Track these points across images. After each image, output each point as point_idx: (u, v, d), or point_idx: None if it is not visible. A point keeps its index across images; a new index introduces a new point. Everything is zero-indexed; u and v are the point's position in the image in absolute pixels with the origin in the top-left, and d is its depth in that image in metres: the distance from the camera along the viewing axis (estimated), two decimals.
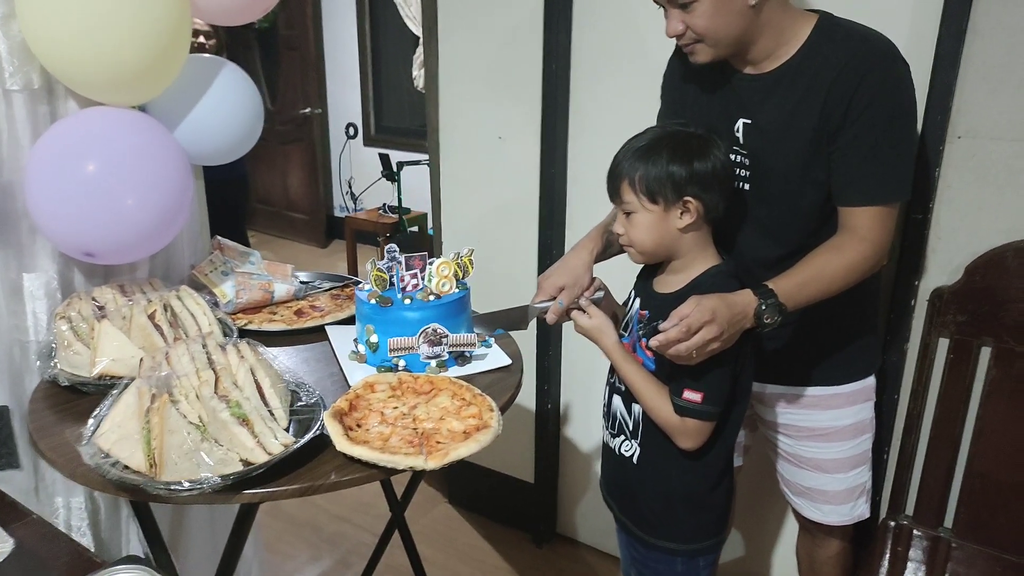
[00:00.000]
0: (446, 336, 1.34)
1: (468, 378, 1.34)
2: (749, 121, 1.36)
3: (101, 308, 1.37)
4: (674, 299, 1.28)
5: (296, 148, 5.79)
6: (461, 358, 1.38)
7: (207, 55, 1.53)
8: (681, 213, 1.27)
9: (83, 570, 1.01)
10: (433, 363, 1.35)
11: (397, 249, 1.41)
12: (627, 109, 1.96)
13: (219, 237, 1.71)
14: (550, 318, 1.39)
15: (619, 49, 2.02)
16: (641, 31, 1.96)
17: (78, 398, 1.25)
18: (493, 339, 1.48)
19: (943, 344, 1.72)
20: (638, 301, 1.41)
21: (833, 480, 1.55)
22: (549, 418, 2.43)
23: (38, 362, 1.33)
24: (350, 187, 5.35)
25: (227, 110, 1.48)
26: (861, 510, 1.60)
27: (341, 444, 1.08)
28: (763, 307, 1.24)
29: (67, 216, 1.27)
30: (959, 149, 1.61)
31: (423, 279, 1.39)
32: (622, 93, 2.03)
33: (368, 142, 5.55)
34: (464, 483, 2.75)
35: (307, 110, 5.58)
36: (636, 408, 1.36)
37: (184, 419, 1.01)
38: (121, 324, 1.34)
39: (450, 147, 2.42)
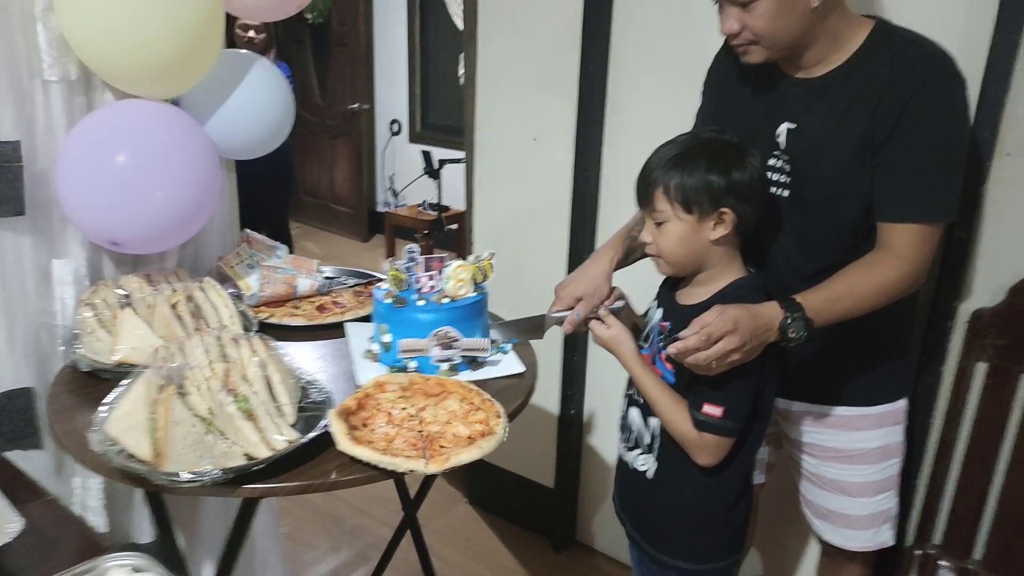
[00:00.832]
0: (458, 340, 1.33)
1: (480, 383, 1.33)
2: (794, 126, 1.32)
3: (127, 296, 1.40)
4: (698, 311, 1.25)
5: (343, 142, 5.87)
6: (474, 363, 1.37)
7: (242, 51, 1.55)
8: (715, 224, 1.23)
9: (90, 553, 1.03)
10: (444, 366, 1.34)
11: (417, 250, 1.41)
12: (665, 113, 1.92)
13: (247, 230, 1.74)
14: (566, 328, 1.37)
15: (658, 53, 1.98)
16: (682, 34, 1.92)
17: (97, 384, 1.28)
18: (509, 345, 1.46)
19: (981, 368, 1.65)
20: (660, 312, 1.38)
21: (856, 504, 1.49)
22: (572, 424, 2.41)
23: (62, 347, 1.36)
24: (391, 183, 5.40)
25: (258, 105, 1.49)
26: (884, 537, 1.54)
27: (343, 444, 1.08)
28: (789, 321, 1.20)
29: (95, 205, 1.30)
30: (1007, 166, 1.54)
31: (440, 281, 1.38)
32: (660, 97, 2.00)
33: (413, 139, 5.59)
34: (484, 484, 2.74)
35: (355, 105, 5.64)
36: (654, 421, 1.33)
37: (189, 411, 1.02)
38: (145, 313, 1.37)
39: (486, 147, 2.42)
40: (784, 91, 1.34)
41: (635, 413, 1.39)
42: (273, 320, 1.55)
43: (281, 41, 5.86)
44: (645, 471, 1.36)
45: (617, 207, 2.14)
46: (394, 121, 5.35)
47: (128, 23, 1.25)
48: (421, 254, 1.41)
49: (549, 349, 2.33)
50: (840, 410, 1.46)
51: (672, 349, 1.18)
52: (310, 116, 6.01)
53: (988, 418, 1.65)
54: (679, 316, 1.30)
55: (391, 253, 4.79)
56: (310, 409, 1.18)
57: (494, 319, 1.49)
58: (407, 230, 4.81)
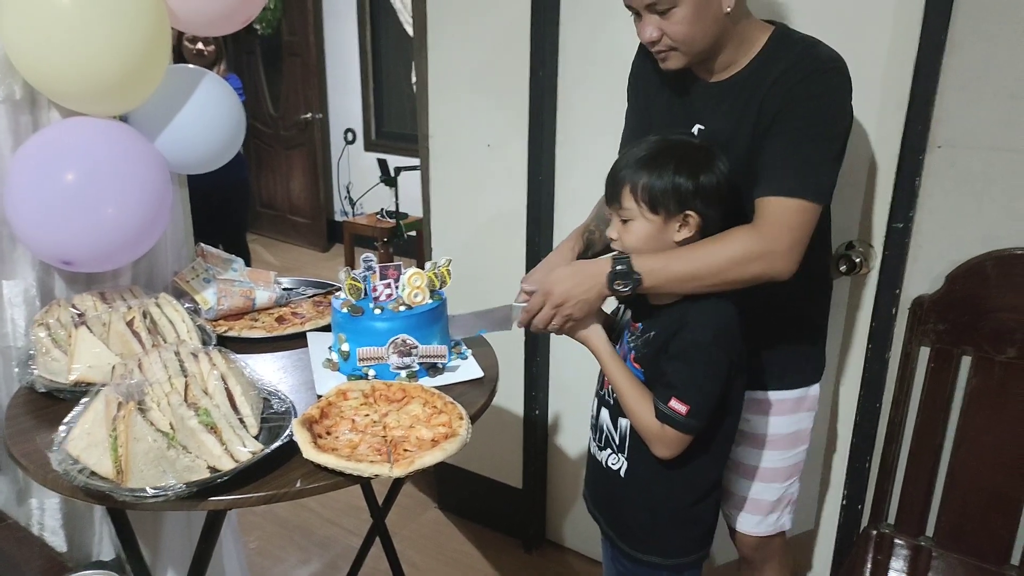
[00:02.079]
0: (416, 347, 1.35)
1: (440, 389, 1.35)
2: (703, 127, 1.39)
3: (81, 315, 1.38)
4: (671, 313, 1.29)
5: (298, 153, 5.83)
6: (433, 369, 1.38)
7: (190, 65, 1.54)
8: (680, 226, 1.27)
9: (53, 573, 1.03)
10: (403, 374, 1.36)
11: (373, 258, 1.43)
12: (616, 113, 1.97)
13: (202, 244, 1.73)
14: (522, 319, 1.38)
15: (606, 53, 2.02)
16: (630, 35, 1.95)
17: (55, 404, 1.26)
18: (470, 351, 1.48)
19: (924, 353, 1.72)
20: (629, 312, 1.41)
21: (767, 489, 1.56)
22: (537, 424, 2.44)
23: (16, 368, 1.34)
24: (348, 192, 5.38)
25: (207, 120, 1.49)
26: (785, 520, 1.61)
27: (308, 452, 1.09)
28: (615, 272, 1.27)
29: (45, 225, 1.29)
30: (939, 159, 1.62)
31: (397, 289, 1.40)
32: (610, 97, 2.03)
33: (368, 147, 5.58)
34: (453, 488, 2.76)
35: (308, 115, 5.61)
36: (623, 422, 1.36)
37: (150, 426, 1.02)
38: (100, 331, 1.36)
39: (440, 154, 2.44)
40: (695, 94, 1.40)
41: (605, 414, 1.41)
42: (232, 333, 1.55)
43: (231, 53, 5.81)
44: (618, 470, 1.39)
45: (573, 209, 2.18)
46: (348, 130, 5.34)
47: (72, 41, 1.24)
48: (380, 262, 1.43)
49: (512, 351, 2.35)
50: (758, 394, 1.52)
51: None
52: (264, 127, 5.96)
53: (933, 400, 1.72)
54: (651, 317, 1.33)
55: (350, 262, 4.77)
56: (273, 420, 1.19)
57: (452, 316, 1.49)
58: (366, 239, 4.80)
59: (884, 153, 1.69)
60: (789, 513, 1.61)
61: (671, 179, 1.24)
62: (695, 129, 1.39)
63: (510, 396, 2.45)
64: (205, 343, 1.45)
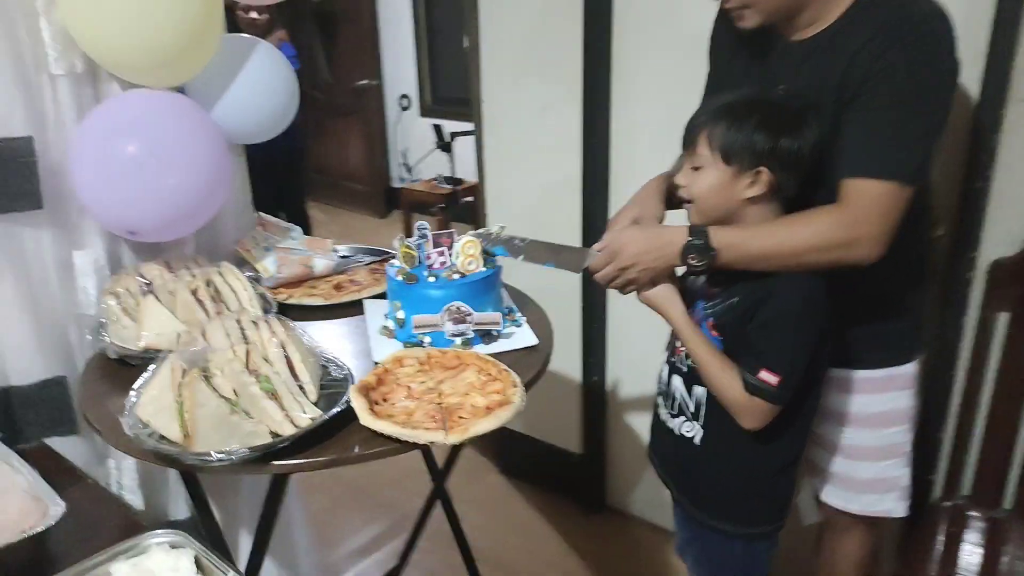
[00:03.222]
0: (470, 315, 1.34)
1: (495, 356, 1.35)
2: (785, 90, 1.30)
3: (148, 284, 1.42)
4: (755, 280, 1.24)
5: (354, 120, 5.87)
6: (487, 336, 1.38)
7: (243, 35, 1.55)
8: (751, 182, 1.23)
9: (130, 531, 1.07)
10: (458, 341, 1.36)
11: (428, 226, 1.42)
12: (673, 76, 1.91)
13: (262, 214, 1.76)
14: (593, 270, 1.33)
15: (664, 14, 1.96)
16: None
17: (126, 370, 1.31)
18: (524, 319, 1.47)
19: (1002, 318, 1.64)
20: (703, 278, 1.36)
21: (858, 467, 1.48)
22: (595, 389, 2.43)
23: (89, 336, 1.39)
24: (404, 158, 5.40)
25: (261, 89, 1.50)
26: (889, 506, 1.51)
27: (365, 418, 1.10)
28: (690, 245, 1.23)
29: (110, 196, 1.32)
30: (1019, 114, 1.52)
31: (451, 257, 1.39)
32: (667, 60, 1.97)
33: (424, 113, 5.57)
34: (513, 453, 2.78)
35: (364, 82, 5.62)
36: (698, 390, 1.33)
37: (214, 392, 1.05)
38: (167, 299, 1.39)
39: (493, 119, 2.41)
40: (778, 54, 1.32)
41: (678, 381, 1.38)
42: (292, 301, 1.57)
43: (287, 21, 5.85)
44: (692, 437, 1.36)
45: (629, 175, 2.13)
46: (403, 96, 5.33)
47: (129, 13, 1.25)
48: (436, 228, 1.42)
49: (569, 316, 2.34)
50: (841, 372, 1.44)
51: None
52: (319, 95, 6.00)
53: (1011, 367, 1.64)
54: (731, 283, 1.28)
55: (408, 229, 4.80)
56: (331, 387, 1.20)
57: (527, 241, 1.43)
58: (423, 204, 4.82)
59: (960, 107, 1.58)
60: (896, 499, 1.50)
61: (749, 133, 1.20)
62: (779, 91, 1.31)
63: (568, 361, 2.44)
64: (266, 311, 1.47)
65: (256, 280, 1.55)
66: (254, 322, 1.22)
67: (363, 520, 2.59)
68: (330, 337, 1.46)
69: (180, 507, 1.64)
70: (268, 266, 1.60)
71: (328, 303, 1.57)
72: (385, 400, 1.19)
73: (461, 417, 1.14)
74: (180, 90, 1.47)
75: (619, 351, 2.38)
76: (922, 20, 1.17)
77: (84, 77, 1.39)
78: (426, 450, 1.82)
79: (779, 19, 1.26)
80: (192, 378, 1.04)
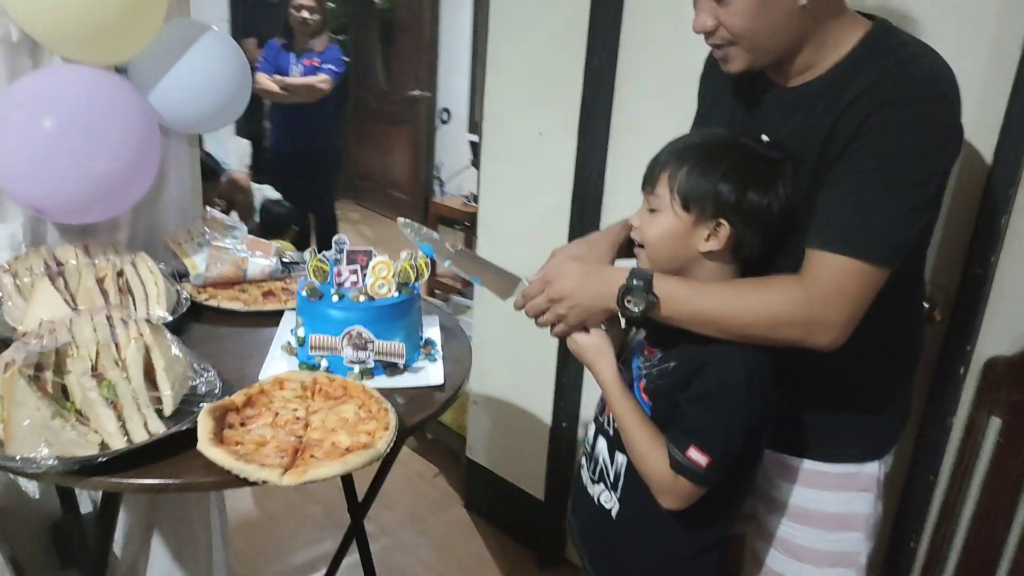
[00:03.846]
0: (372, 342, 1.23)
1: (393, 391, 1.24)
2: (766, 140, 1.15)
3: (58, 266, 1.36)
4: (695, 344, 1.10)
5: (402, 129, 5.87)
6: (391, 368, 1.27)
7: (193, 20, 1.49)
8: (709, 235, 1.09)
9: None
10: (356, 369, 1.24)
11: (346, 241, 1.32)
12: (681, 112, 1.77)
13: (210, 208, 1.69)
14: (517, 301, 1.21)
15: (673, 47, 1.82)
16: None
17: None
18: (440, 354, 1.35)
19: (994, 424, 1.44)
20: (643, 333, 1.24)
21: (804, 571, 1.29)
22: (563, 436, 2.28)
23: None
24: (438, 171, 5.36)
25: (206, 77, 1.43)
26: None
27: (202, 443, 1.00)
28: (629, 286, 1.09)
29: (18, 169, 1.27)
30: None
31: (363, 277, 1.29)
32: (674, 97, 1.83)
33: (472, 128, 5.52)
34: (480, 489, 2.66)
35: (416, 92, 5.62)
36: (620, 458, 1.20)
37: (35, 393, 0.96)
38: (73, 284, 1.33)
39: (492, 141, 2.32)
40: (766, 101, 1.18)
41: (602, 444, 1.25)
42: (212, 302, 1.49)
43: (354, 25, 5.92)
44: (609, 510, 1.22)
45: (625, 208, 1.98)
46: (445, 110, 5.31)
47: None
48: (464, 245, 1.30)
49: (544, 356, 2.21)
50: (794, 461, 1.27)
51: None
52: (373, 101, 6.04)
53: (999, 480, 1.44)
54: (671, 344, 1.14)
55: None
56: (194, 401, 1.11)
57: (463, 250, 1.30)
58: (450, 220, 4.75)
59: (967, 182, 1.41)
60: None
61: (715, 180, 1.07)
62: None
63: (540, 403, 2.31)
64: (175, 310, 1.40)
65: (177, 277, 1.48)
66: (123, 320, 1.13)
67: (289, 547, 2.46)
68: (234, 346, 1.37)
69: (86, 502, 1.57)
70: (197, 263, 1.53)
71: (247, 310, 1.48)
72: (243, 424, 1.08)
73: (313, 456, 1.03)
74: (122, 71, 1.42)
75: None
76: (926, 79, 1.02)
77: (21, 47, 1.34)
78: (346, 479, 1.71)
79: (769, 62, 1.12)
80: (12, 373, 0.96)
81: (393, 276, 1.28)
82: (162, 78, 1.40)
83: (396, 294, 1.28)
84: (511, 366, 2.41)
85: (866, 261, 1.02)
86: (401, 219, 1.28)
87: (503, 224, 2.34)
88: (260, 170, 4.73)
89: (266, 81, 4.14)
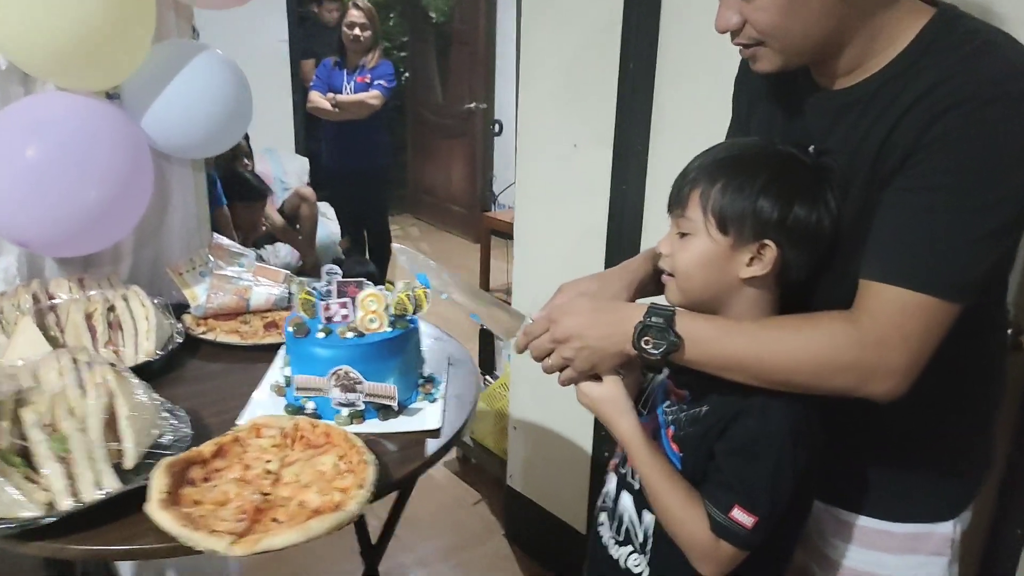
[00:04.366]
0: (360, 383, 1.12)
1: (385, 436, 1.12)
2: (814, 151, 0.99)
3: (51, 299, 1.31)
4: (733, 386, 0.95)
5: (459, 142, 5.81)
6: (385, 410, 1.15)
7: (187, 42, 1.42)
8: (752, 259, 0.94)
9: None
10: (345, 412, 1.13)
11: (338, 271, 1.22)
12: (729, 115, 1.61)
13: (217, 235, 1.62)
14: (518, 342, 1.06)
15: (718, 44, 1.65)
16: None
17: None
18: (440, 394, 1.23)
19: None
20: (667, 371, 1.07)
21: None
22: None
23: None
24: (490, 184, 5.27)
25: (199, 100, 1.35)
26: None
27: (151, 505, 0.90)
28: (646, 324, 0.93)
29: (2, 202, 1.22)
30: None
31: (354, 311, 1.18)
32: (722, 97, 1.66)
33: None
34: (522, 519, 2.52)
35: (472, 105, 5.55)
36: (649, 517, 1.04)
37: None
38: (64, 320, 1.28)
39: (527, 152, 2.19)
40: (809, 106, 1.01)
41: (628, 501, 1.09)
42: (209, 336, 1.41)
43: (409, 40, 5.91)
44: (639, 574, 1.07)
45: (664, 228, 1.83)
46: (497, 121, 5.22)
47: (33, 10, 1.14)
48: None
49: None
50: (851, 517, 1.09)
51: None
52: (430, 115, 6.00)
53: None
54: (704, 386, 0.98)
55: (485, 258, 4.63)
56: (158, 455, 1.02)
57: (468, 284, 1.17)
58: (503, 234, 4.64)
59: None
60: None
61: (754, 196, 0.92)
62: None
63: (581, 430, 2.16)
64: (167, 346, 1.33)
65: (176, 309, 1.41)
66: (88, 364, 1.05)
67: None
68: (226, 385, 1.29)
69: None
70: (198, 293, 1.46)
71: (244, 344, 1.40)
72: (207, 480, 0.99)
73: (275, 520, 0.92)
74: (116, 96, 1.36)
75: None
76: (1002, 75, 0.84)
77: (12, 74, 1.30)
78: (359, 523, 1.61)
79: (805, 62, 0.96)
80: None
81: (386, 310, 1.16)
82: (154, 103, 1.33)
83: (389, 329, 1.16)
84: (550, 388, 2.26)
85: (932, 295, 0.85)
86: (396, 246, 1.16)
87: (539, 242, 2.21)
88: (316, 187, 4.75)
89: (319, 99, 4.15)
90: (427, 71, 5.89)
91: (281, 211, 4.71)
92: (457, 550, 2.53)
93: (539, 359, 1.04)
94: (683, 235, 0.98)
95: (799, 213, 0.92)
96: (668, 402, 1.05)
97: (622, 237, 1.91)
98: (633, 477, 1.07)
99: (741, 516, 0.92)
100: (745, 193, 0.92)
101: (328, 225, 4.72)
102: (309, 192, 4.65)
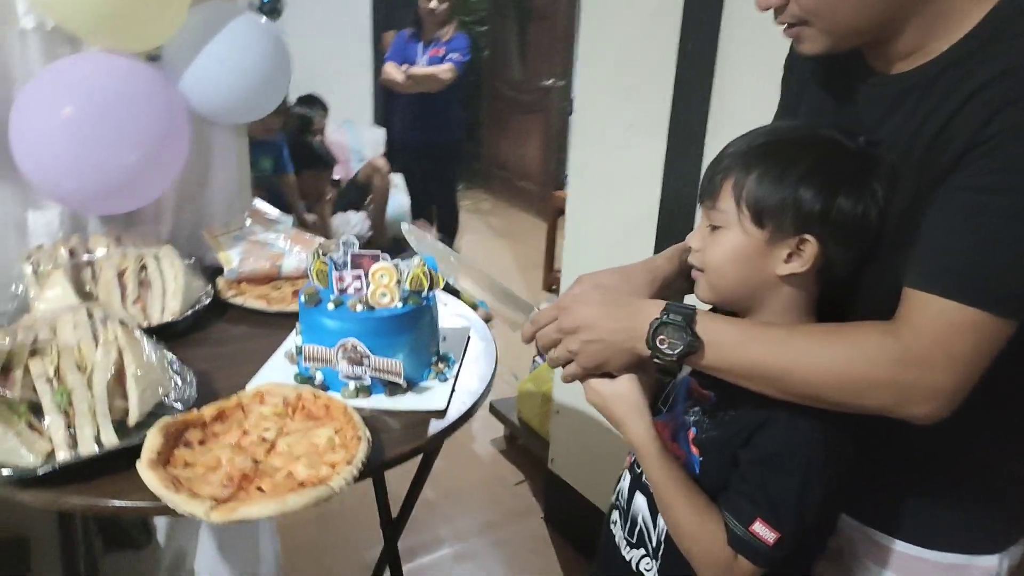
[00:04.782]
0: (367, 357, 1.10)
1: (388, 413, 1.10)
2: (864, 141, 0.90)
3: (90, 255, 1.35)
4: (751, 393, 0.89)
5: (535, 119, 5.75)
6: (392, 387, 1.13)
7: (225, 4, 1.41)
8: (790, 254, 0.87)
9: None
10: (351, 385, 1.12)
11: (355, 242, 1.20)
12: None
13: (257, 201, 1.63)
14: (525, 331, 1.00)
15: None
16: None
17: None
18: (453, 373, 1.20)
19: None
20: (688, 369, 1.02)
21: None
22: None
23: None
24: (559, 163, 5.20)
25: (235, 64, 1.35)
26: None
27: (141, 463, 0.91)
28: (663, 321, 0.86)
29: (38, 156, 1.25)
30: None
31: (366, 284, 1.16)
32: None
33: None
34: (560, 503, 2.50)
35: (550, 81, 5.47)
36: (664, 522, 0.99)
37: None
38: (99, 275, 1.31)
39: (581, 131, 2.13)
40: (862, 93, 0.92)
41: (642, 502, 1.03)
42: (238, 300, 1.43)
43: (489, 13, 5.86)
44: None
45: None
46: (572, 100, 5.12)
47: None
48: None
49: None
50: (885, 539, 1.01)
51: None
52: (507, 90, 5.95)
53: None
54: (731, 387, 0.91)
55: (551, 236, 4.58)
56: (162, 413, 1.03)
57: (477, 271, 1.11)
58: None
59: None
60: None
61: (794, 187, 0.84)
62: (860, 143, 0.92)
63: None
64: (193, 307, 1.35)
65: (198, 270, 1.43)
66: (103, 321, 1.07)
67: (346, 545, 2.35)
68: (245, 350, 1.29)
69: None
70: (232, 257, 1.47)
71: (269, 310, 1.41)
72: (203, 442, 0.99)
73: (259, 488, 0.91)
74: (157, 59, 1.37)
75: None
76: None
77: (57, 35, 1.33)
78: (381, 500, 1.60)
79: (856, 44, 0.87)
80: None
81: (398, 284, 1.14)
82: (192, 65, 1.34)
83: (400, 304, 1.14)
84: None
85: (985, 310, 0.76)
86: (404, 225, 1.12)
87: (589, 227, 2.15)
88: (391, 159, 4.79)
89: (392, 71, 4.16)
90: (506, 46, 5.83)
91: (354, 181, 4.78)
92: (494, 527, 2.53)
93: (545, 349, 0.98)
94: (714, 228, 0.91)
95: (843, 205, 0.84)
96: (690, 402, 0.99)
97: (673, 227, 1.83)
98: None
99: (763, 531, 0.85)
100: (784, 183, 0.85)
101: (401, 197, 4.77)
102: (382, 163, 4.70)
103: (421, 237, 1.09)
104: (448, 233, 4.63)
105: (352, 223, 4.62)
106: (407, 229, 1.10)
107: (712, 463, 0.93)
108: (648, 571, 1.02)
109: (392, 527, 1.58)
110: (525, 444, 2.85)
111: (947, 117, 0.80)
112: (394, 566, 1.62)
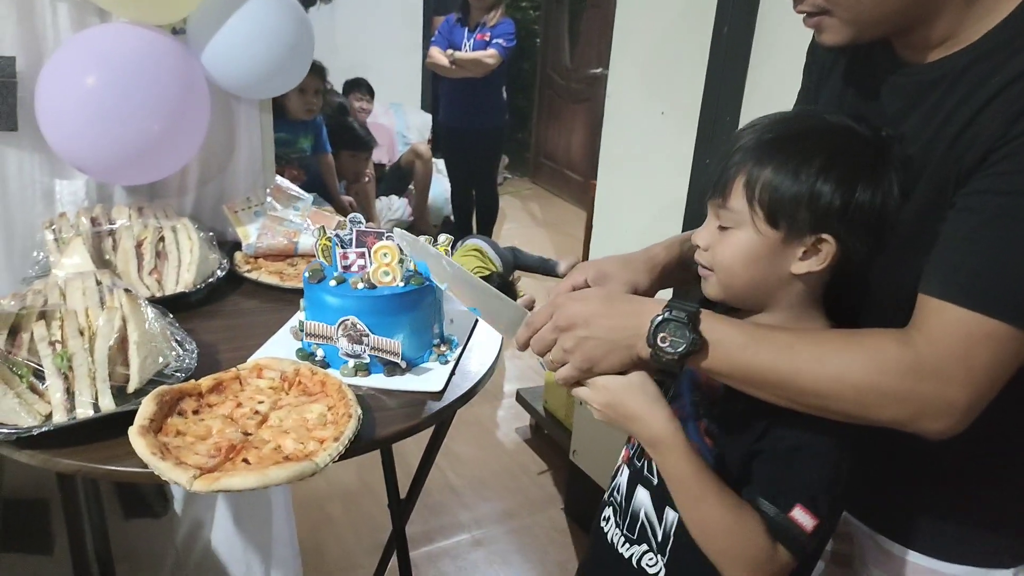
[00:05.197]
0: (367, 335, 1.09)
1: (385, 392, 1.10)
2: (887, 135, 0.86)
3: (113, 224, 1.37)
4: None
5: (583, 107, 5.69)
6: (391, 366, 1.12)
7: None
8: (806, 252, 0.84)
9: None
10: (351, 363, 1.12)
11: (362, 220, 1.19)
12: None
13: (280, 178, 1.64)
14: (519, 336, 0.94)
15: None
16: None
17: None
18: (454, 356, 1.19)
19: None
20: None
21: None
22: None
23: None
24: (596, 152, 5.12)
25: (260, 38, 1.36)
26: None
27: (132, 430, 0.92)
28: (665, 318, 0.81)
29: (60, 125, 1.28)
30: None
31: (370, 262, 1.15)
32: None
33: None
34: (581, 496, 2.47)
35: (598, 70, 5.40)
36: (672, 516, 0.95)
37: None
38: (119, 244, 1.34)
39: (614, 118, 2.10)
40: (887, 84, 0.87)
41: (644, 496, 1.00)
42: (253, 275, 1.44)
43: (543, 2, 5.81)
44: (655, 575, 0.99)
45: None
46: None
47: None
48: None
49: None
50: (895, 548, 0.97)
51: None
52: (558, 78, 5.90)
53: None
54: None
55: (590, 225, 4.53)
56: (160, 381, 1.04)
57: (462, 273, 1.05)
58: None
59: None
60: None
61: (810, 182, 0.80)
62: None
63: None
64: (207, 279, 1.36)
65: (214, 244, 1.44)
66: (110, 289, 1.09)
67: (363, 524, 2.35)
68: (253, 324, 1.30)
69: None
70: (250, 232, 1.49)
71: (282, 285, 1.41)
72: (197, 412, 1.00)
73: (245, 460, 0.92)
74: (181, 32, 1.39)
75: None
76: None
77: (88, 5, 1.35)
78: (391, 484, 1.61)
79: (884, 34, 0.83)
80: None
81: (401, 264, 1.13)
82: (214, 39, 1.35)
83: (401, 284, 1.13)
84: None
85: (1005, 321, 0.72)
86: (396, 230, 1.09)
87: (617, 214, 2.12)
88: (436, 144, 4.80)
89: (437, 55, 4.16)
90: (558, 33, 5.78)
91: (397, 166, 4.80)
92: (514, 516, 2.53)
93: (542, 353, 0.92)
94: (724, 228, 0.87)
95: (862, 198, 0.80)
96: (697, 393, 0.96)
97: (701, 216, 1.78)
98: (650, 471, 0.99)
99: (802, 517, 0.82)
100: (801, 178, 0.81)
101: (444, 182, 4.77)
102: (424, 149, 4.71)
103: (412, 241, 1.06)
104: (487, 220, 4.61)
105: (394, 207, 4.65)
106: (398, 233, 1.07)
107: (726, 454, 0.89)
108: (652, 567, 0.98)
109: (400, 507, 1.59)
110: (550, 434, 2.84)
111: (973, 113, 0.75)
112: (401, 546, 1.62)
